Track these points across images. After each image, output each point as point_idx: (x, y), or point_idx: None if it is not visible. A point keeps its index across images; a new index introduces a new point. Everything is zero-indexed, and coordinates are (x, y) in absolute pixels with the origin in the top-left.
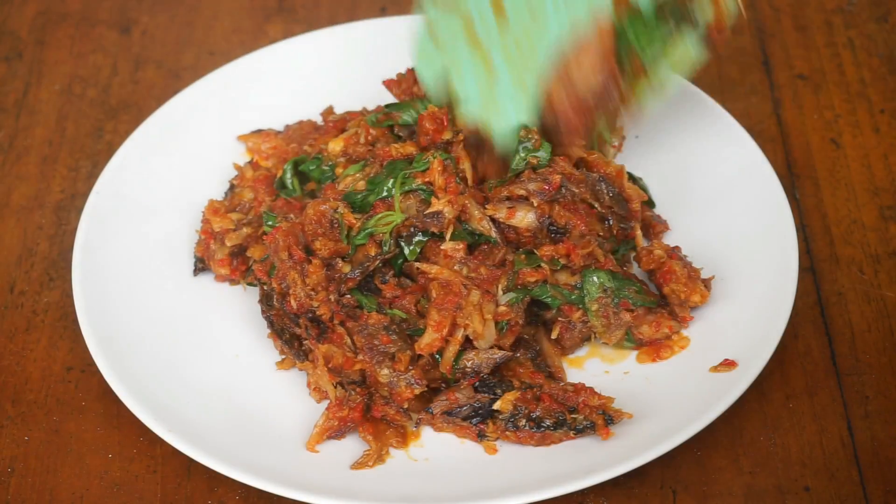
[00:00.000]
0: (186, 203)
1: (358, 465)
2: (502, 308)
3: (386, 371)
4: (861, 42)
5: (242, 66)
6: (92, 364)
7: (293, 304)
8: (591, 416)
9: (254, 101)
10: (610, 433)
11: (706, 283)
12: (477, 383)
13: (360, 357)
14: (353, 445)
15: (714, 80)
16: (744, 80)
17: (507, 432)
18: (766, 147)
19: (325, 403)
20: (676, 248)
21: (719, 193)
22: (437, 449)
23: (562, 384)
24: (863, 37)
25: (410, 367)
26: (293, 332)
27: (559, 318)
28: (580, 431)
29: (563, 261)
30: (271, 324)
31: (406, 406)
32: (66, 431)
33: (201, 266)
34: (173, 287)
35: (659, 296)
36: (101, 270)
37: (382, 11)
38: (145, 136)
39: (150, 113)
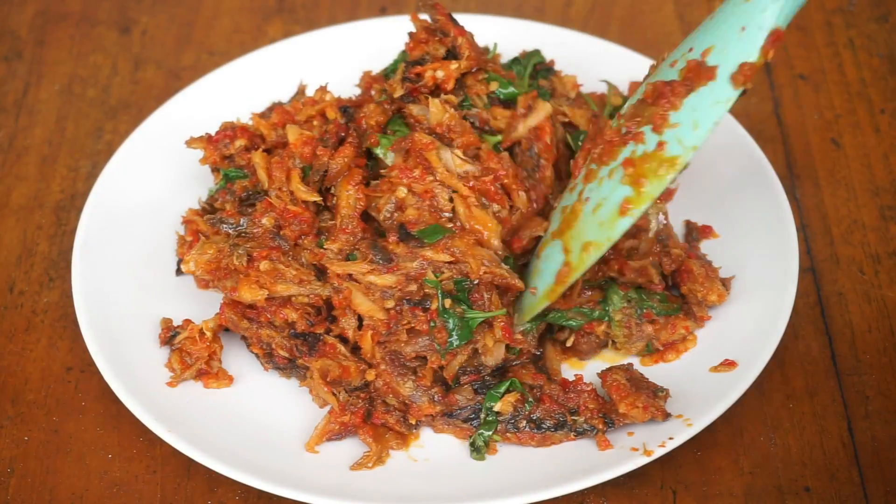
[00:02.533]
0: (186, 203)
1: (358, 465)
2: (517, 336)
3: (410, 384)
4: (861, 42)
5: (242, 66)
6: (92, 364)
7: (282, 353)
8: (591, 420)
9: (253, 101)
10: (608, 444)
11: (725, 283)
12: (477, 384)
13: (383, 367)
14: (352, 446)
15: None
16: None
17: (507, 434)
18: (766, 147)
19: (327, 406)
20: (694, 246)
21: (719, 193)
22: (436, 449)
23: (560, 378)
24: (863, 37)
25: (434, 383)
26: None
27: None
28: (580, 434)
29: (614, 275)
30: (258, 357)
31: (415, 422)
32: (66, 431)
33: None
34: (173, 287)
35: (680, 299)
36: (101, 270)
37: (382, 11)
38: (145, 136)
39: (150, 113)
